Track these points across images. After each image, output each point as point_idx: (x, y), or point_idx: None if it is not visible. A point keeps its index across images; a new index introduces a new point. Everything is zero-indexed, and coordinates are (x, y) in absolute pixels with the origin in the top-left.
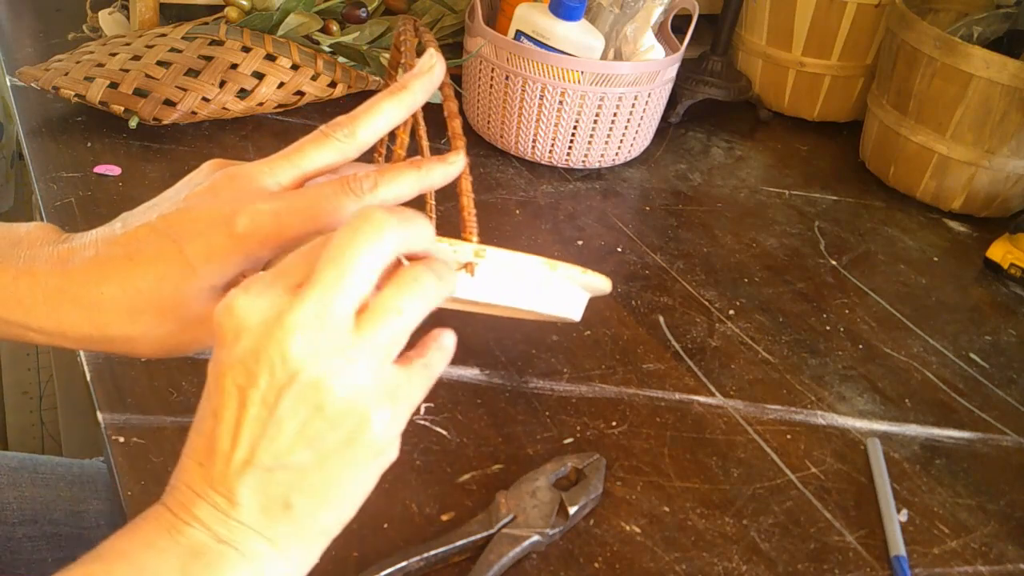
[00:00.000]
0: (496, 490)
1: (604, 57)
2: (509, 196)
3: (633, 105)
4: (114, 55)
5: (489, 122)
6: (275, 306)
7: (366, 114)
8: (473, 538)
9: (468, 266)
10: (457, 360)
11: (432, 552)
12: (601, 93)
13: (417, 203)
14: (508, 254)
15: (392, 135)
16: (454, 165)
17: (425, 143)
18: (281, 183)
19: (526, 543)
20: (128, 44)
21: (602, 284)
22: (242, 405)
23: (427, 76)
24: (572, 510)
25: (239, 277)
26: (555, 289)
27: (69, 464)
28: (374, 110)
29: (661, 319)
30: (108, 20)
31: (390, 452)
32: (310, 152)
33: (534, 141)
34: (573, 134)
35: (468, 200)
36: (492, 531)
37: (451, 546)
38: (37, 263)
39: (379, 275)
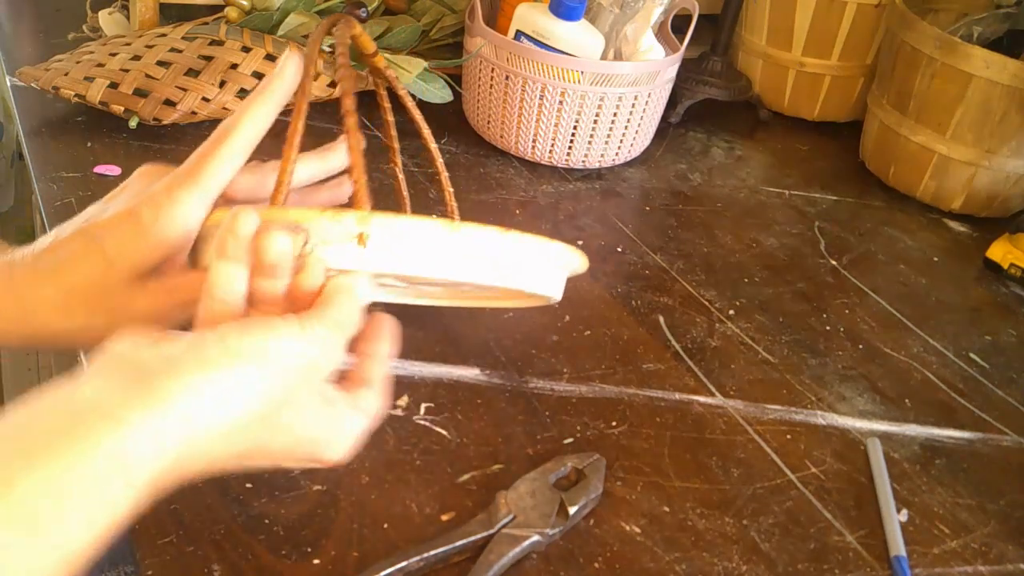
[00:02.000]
0: (496, 490)
1: (604, 57)
2: (509, 196)
3: (633, 105)
4: (114, 55)
5: (489, 122)
6: None
7: (235, 129)
8: (473, 538)
9: (360, 237)
10: (457, 360)
11: (432, 552)
12: (601, 93)
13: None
14: (398, 219)
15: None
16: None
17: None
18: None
19: (526, 543)
20: (128, 44)
21: (575, 260)
22: None
23: (279, 79)
24: (572, 510)
25: (165, 265)
26: (512, 262)
27: None
28: (240, 122)
29: (661, 319)
30: (108, 20)
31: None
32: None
33: (534, 141)
34: (573, 134)
35: (358, 171)
36: (492, 531)
37: (451, 546)
38: None
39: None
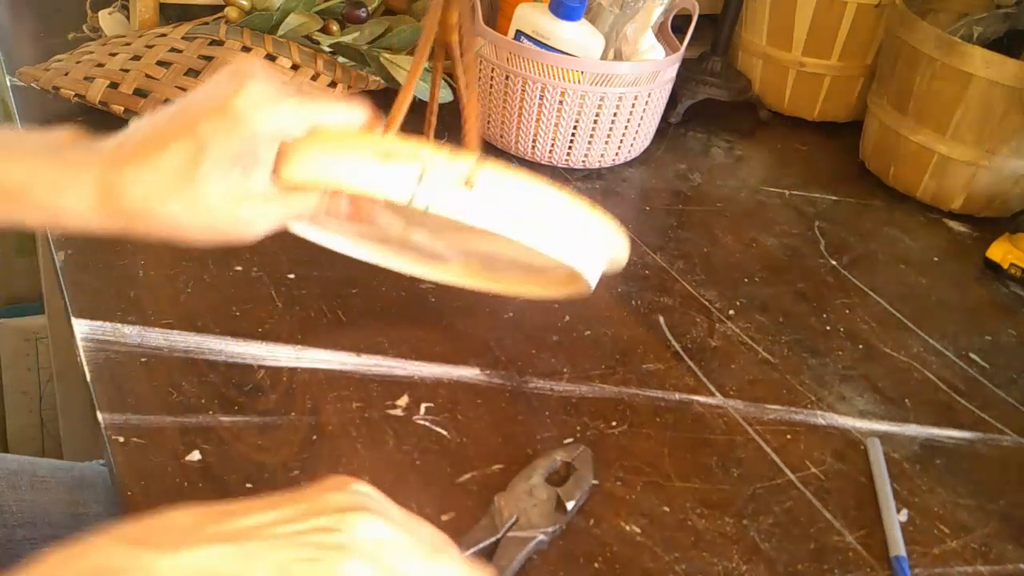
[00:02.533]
0: (496, 490)
1: (604, 57)
2: None
3: (633, 105)
4: (114, 55)
5: (489, 122)
6: None
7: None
8: (481, 545)
9: (467, 182)
10: (457, 360)
11: None
12: (601, 93)
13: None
14: (513, 175)
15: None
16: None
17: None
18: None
19: (532, 544)
20: (128, 44)
21: (619, 247)
22: None
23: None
24: (569, 505)
25: (247, 156)
26: (566, 234)
27: (68, 467)
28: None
29: (661, 319)
30: (108, 20)
31: None
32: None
33: (534, 141)
34: (573, 134)
35: (472, 114)
36: (498, 536)
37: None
38: (69, 153)
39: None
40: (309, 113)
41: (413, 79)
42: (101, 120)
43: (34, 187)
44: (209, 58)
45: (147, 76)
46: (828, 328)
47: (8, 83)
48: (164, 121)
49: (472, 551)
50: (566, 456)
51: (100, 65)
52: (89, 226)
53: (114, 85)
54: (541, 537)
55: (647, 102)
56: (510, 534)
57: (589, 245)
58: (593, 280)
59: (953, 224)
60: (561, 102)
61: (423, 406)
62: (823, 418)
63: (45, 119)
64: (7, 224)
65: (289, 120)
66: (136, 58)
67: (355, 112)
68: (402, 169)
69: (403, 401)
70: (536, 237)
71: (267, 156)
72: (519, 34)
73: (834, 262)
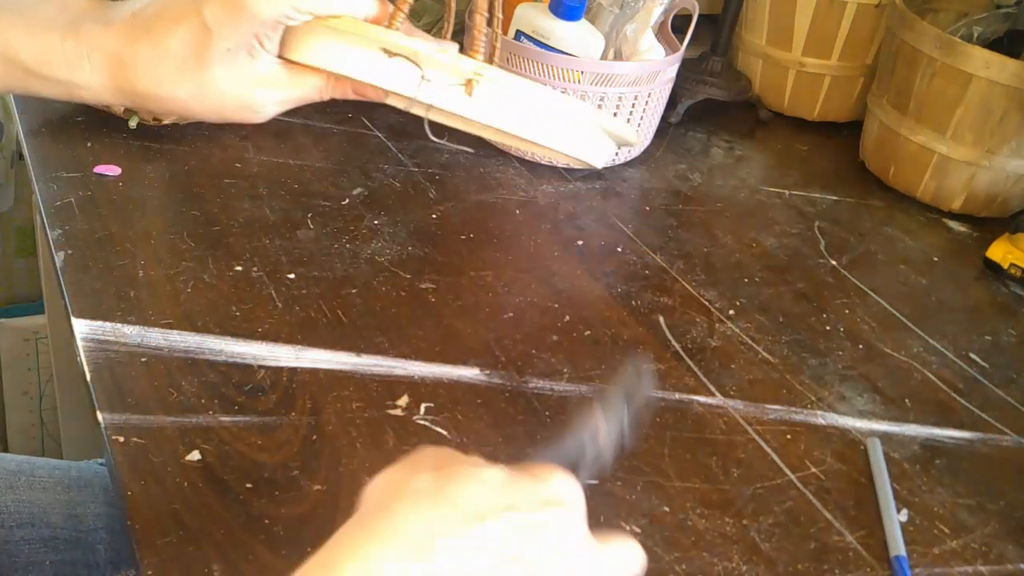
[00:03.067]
0: None
1: (604, 57)
2: (509, 196)
3: (633, 105)
4: None
5: None
6: None
7: None
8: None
9: (467, 84)
10: (457, 360)
11: None
12: (601, 93)
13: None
14: (512, 78)
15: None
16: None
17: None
18: None
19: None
20: None
21: (626, 134)
22: None
23: None
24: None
25: (253, 48)
26: (568, 125)
27: (67, 467)
28: None
29: (661, 319)
30: None
31: None
32: None
33: None
34: None
35: (480, 18)
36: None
37: None
38: (82, 25)
39: None
40: (314, 1)
41: None
42: (101, 120)
43: (50, 62)
44: None
45: None
46: (828, 328)
47: None
48: (172, 8)
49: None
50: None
51: None
52: (102, 101)
53: None
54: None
55: (647, 102)
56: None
57: (587, 136)
58: (597, 162)
59: (953, 224)
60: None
61: (423, 406)
62: (823, 418)
63: (45, 119)
64: (25, 94)
65: (294, 6)
66: None
67: (362, 1)
68: (405, 66)
69: (403, 401)
70: (534, 133)
71: (273, 41)
72: (519, 34)
73: (834, 262)
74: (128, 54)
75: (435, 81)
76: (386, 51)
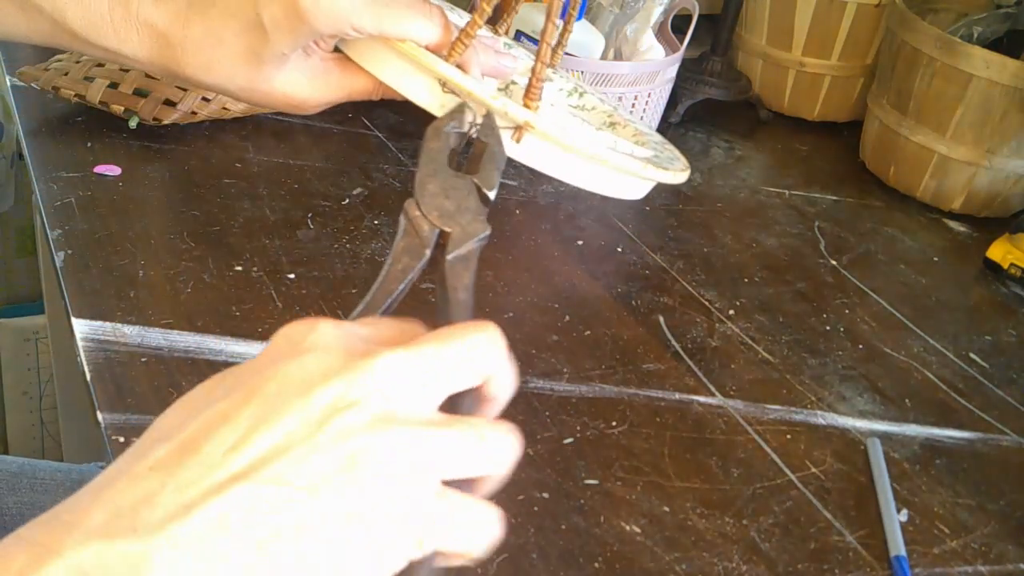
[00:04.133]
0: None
1: (604, 57)
2: (509, 196)
3: (633, 105)
4: None
5: None
6: (370, 347)
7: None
8: (413, 275)
9: (517, 131)
10: None
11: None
12: (601, 93)
13: None
14: (563, 132)
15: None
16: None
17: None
18: None
19: (475, 259)
20: None
21: (676, 179)
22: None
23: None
24: (492, 194)
25: (309, 47)
26: (614, 175)
27: (68, 469)
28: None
29: (661, 319)
30: None
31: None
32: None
33: None
34: None
35: (540, 66)
36: (426, 258)
37: (395, 295)
38: (154, 8)
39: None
40: (379, 22)
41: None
42: (101, 120)
43: (96, 29)
44: None
45: (147, 76)
46: (828, 328)
47: (8, 83)
48: (236, 3)
49: (404, 287)
50: (460, 126)
51: (100, 65)
52: (148, 71)
53: (114, 85)
54: (475, 246)
55: (647, 102)
56: (449, 257)
57: (631, 181)
58: (635, 196)
59: (953, 224)
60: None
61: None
62: (823, 418)
63: (45, 119)
64: (78, 52)
65: (359, 25)
66: None
67: (429, 28)
68: (455, 101)
69: None
70: (576, 180)
71: (329, 44)
72: (519, 34)
73: (834, 262)
74: (178, 36)
75: (486, 124)
76: (443, 83)
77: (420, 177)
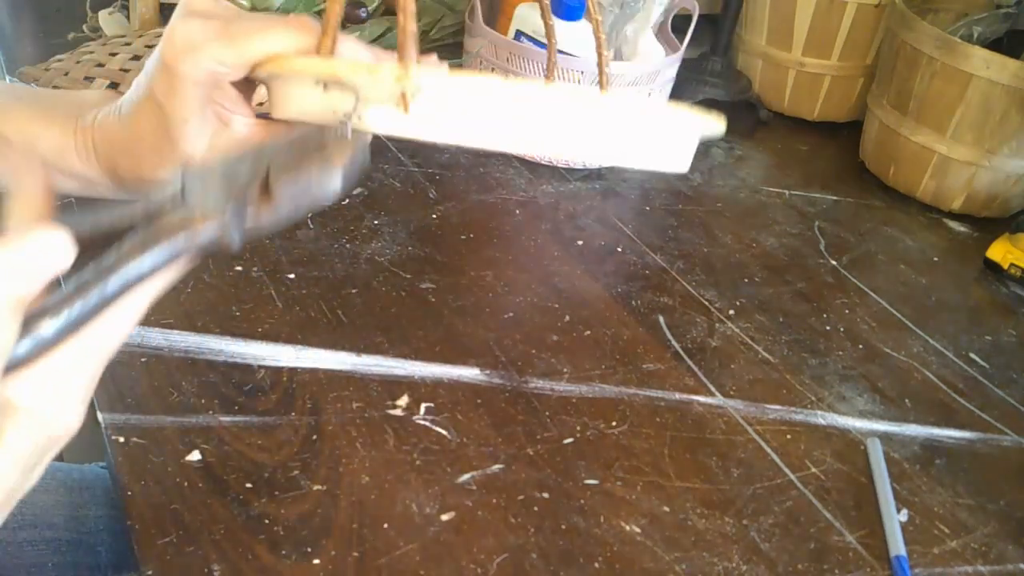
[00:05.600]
0: (496, 490)
1: None
2: (509, 196)
3: None
4: (114, 55)
5: None
6: None
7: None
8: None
9: (401, 99)
10: (457, 360)
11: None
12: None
13: None
14: (456, 79)
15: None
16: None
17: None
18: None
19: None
20: (128, 44)
21: (709, 124)
22: None
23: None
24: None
25: (220, 113)
26: (581, 122)
27: (69, 469)
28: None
29: (661, 319)
30: (108, 20)
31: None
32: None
33: None
34: None
35: (404, 17)
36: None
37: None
38: (86, 116)
39: None
40: (240, 45)
41: None
42: None
43: (64, 156)
44: None
45: None
46: (828, 328)
47: (8, 83)
48: (139, 82)
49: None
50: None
51: (100, 65)
52: (117, 196)
53: (114, 85)
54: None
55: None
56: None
57: (620, 131)
58: (672, 165)
59: (953, 224)
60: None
61: (423, 406)
62: (823, 418)
63: None
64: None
65: (219, 55)
66: (136, 58)
67: (285, 32)
68: (339, 98)
69: (403, 401)
70: (515, 139)
71: (239, 104)
72: (519, 34)
73: (834, 262)
74: (114, 145)
75: (370, 103)
76: (319, 82)
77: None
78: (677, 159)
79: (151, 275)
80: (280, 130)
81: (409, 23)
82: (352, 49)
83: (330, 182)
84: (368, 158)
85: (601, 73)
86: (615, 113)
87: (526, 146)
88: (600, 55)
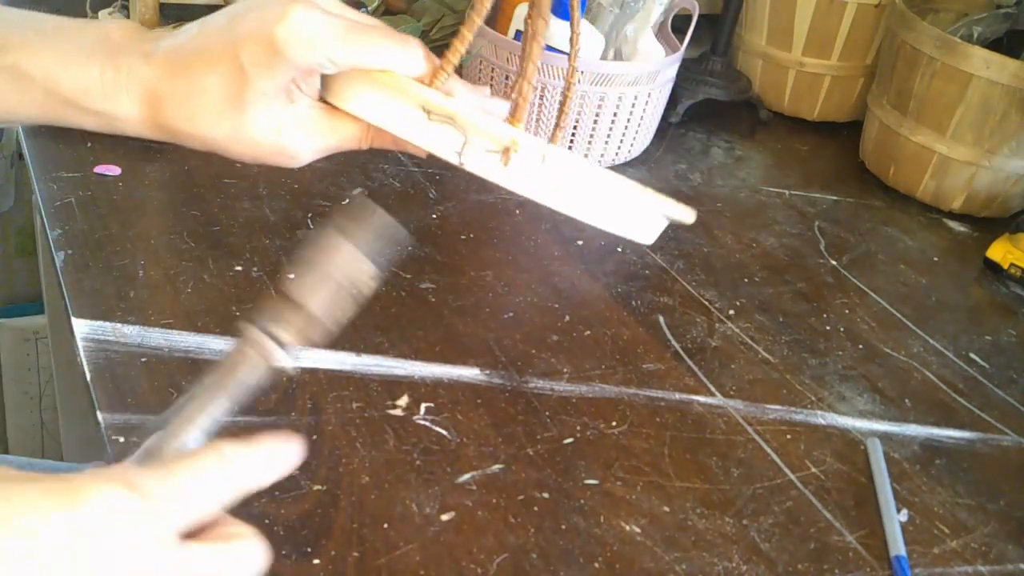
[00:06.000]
0: (496, 490)
1: (604, 57)
2: (509, 196)
3: (633, 105)
4: None
5: None
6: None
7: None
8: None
9: (504, 152)
10: (457, 360)
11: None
12: (601, 93)
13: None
14: (555, 151)
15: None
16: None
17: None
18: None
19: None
20: None
21: (682, 214)
22: None
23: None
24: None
25: (291, 92)
26: (618, 206)
27: (68, 469)
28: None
29: (661, 319)
30: (108, 20)
31: None
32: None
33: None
34: (573, 134)
35: (525, 84)
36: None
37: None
38: (122, 57)
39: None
40: (356, 52)
41: (472, 27)
42: None
43: (88, 93)
44: None
45: None
46: (828, 328)
47: (31, 13)
48: (212, 37)
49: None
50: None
51: None
52: (141, 134)
53: None
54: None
55: (647, 102)
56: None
57: (633, 213)
58: (643, 239)
59: (953, 224)
60: (561, 102)
61: (423, 406)
62: (823, 418)
63: None
64: (66, 125)
65: (334, 56)
66: None
67: (406, 56)
68: (444, 129)
69: (403, 401)
70: (574, 209)
71: (311, 85)
72: (519, 34)
73: (834, 262)
74: (165, 89)
75: (473, 145)
76: (427, 111)
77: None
78: (648, 233)
79: None
80: (343, 122)
81: (527, 88)
82: (463, 91)
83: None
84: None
85: (560, 117)
86: (623, 193)
87: (567, 208)
88: (520, 90)
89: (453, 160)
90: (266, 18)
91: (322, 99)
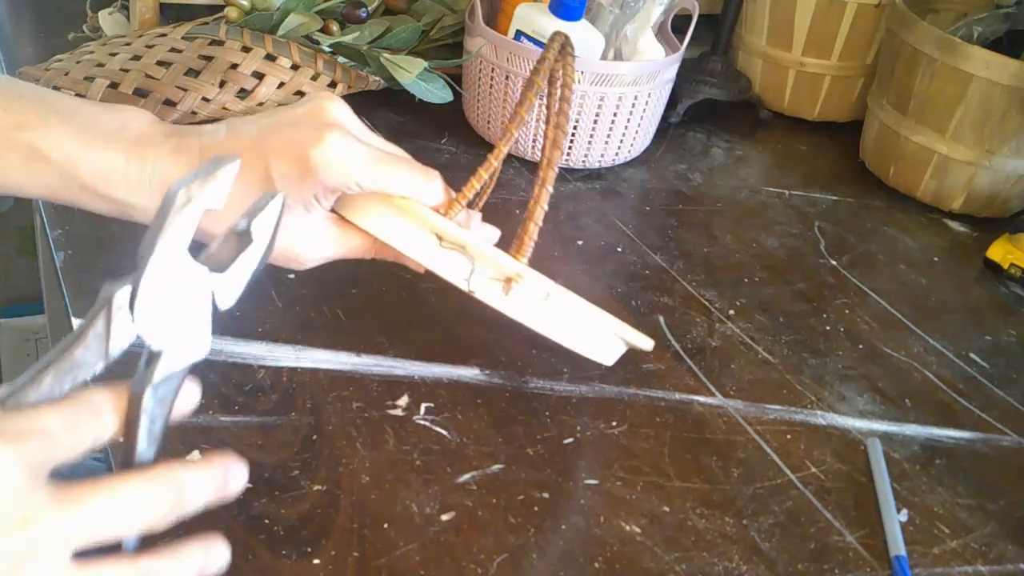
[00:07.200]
0: (496, 490)
1: (604, 57)
2: (509, 196)
3: (633, 105)
4: (114, 55)
5: (489, 122)
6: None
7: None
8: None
9: (507, 282)
10: (457, 360)
11: None
12: (601, 93)
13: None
14: (550, 287)
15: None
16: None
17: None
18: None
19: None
20: (128, 44)
21: (643, 343)
22: None
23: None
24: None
25: (310, 204)
26: (592, 334)
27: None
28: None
29: (661, 319)
30: (108, 20)
31: None
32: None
33: (534, 141)
34: (573, 134)
35: (532, 225)
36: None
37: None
38: (148, 149)
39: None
40: (384, 180)
41: (489, 168)
42: None
43: (110, 181)
44: (209, 58)
45: (147, 76)
46: (828, 328)
47: (42, 89)
48: (242, 144)
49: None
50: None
51: (100, 65)
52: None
53: (114, 85)
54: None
55: (647, 102)
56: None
57: (605, 342)
58: (606, 361)
59: (953, 224)
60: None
61: (423, 406)
62: (823, 418)
63: None
64: (75, 207)
65: (363, 181)
66: (136, 58)
67: (428, 187)
68: (453, 256)
69: (403, 401)
70: (557, 335)
71: (330, 200)
72: (519, 34)
73: (834, 262)
74: None
75: (480, 273)
76: (439, 237)
77: (148, 264)
78: (611, 356)
79: None
80: (353, 234)
81: (533, 230)
82: (476, 225)
83: None
84: None
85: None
86: (601, 326)
87: (550, 332)
88: (527, 228)
89: (461, 285)
90: (302, 138)
91: (333, 210)
